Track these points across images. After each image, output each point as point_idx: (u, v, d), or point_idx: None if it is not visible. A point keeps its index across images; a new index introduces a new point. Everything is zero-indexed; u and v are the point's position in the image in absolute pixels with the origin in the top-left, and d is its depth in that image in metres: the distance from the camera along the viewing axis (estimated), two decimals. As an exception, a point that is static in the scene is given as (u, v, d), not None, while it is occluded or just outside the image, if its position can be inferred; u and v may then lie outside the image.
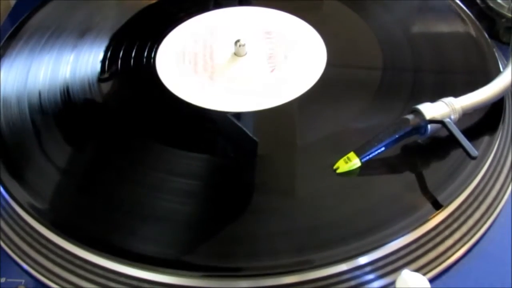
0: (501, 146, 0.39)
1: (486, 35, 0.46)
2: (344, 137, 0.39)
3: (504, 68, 0.41)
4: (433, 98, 0.38)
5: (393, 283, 0.32)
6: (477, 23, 0.48)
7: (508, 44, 0.47)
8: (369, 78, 0.43)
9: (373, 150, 0.36)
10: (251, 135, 0.40)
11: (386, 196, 0.35)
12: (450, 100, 0.37)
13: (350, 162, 0.36)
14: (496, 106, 0.40)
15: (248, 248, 0.33)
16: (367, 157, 0.36)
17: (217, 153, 0.39)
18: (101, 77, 0.45)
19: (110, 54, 0.47)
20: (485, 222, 0.36)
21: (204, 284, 0.33)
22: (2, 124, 0.41)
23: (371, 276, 0.33)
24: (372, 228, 0.33)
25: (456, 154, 0.37)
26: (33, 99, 0.43)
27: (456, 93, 0.38)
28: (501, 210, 0.37)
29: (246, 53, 0.46)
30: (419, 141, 0.38)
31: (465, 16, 0.48)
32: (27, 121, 0.42)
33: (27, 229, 0.36)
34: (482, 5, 0.51)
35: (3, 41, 0.50)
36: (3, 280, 0.35)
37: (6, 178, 0.38)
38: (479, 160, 0.37)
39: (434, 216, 0.34)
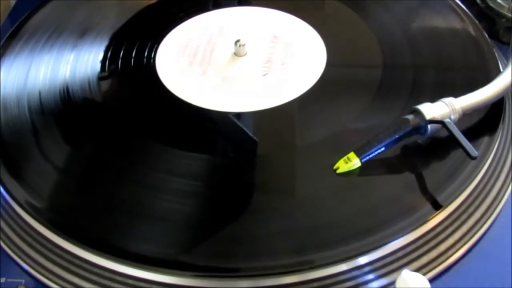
0: (501, 146, 0.39)
1: (486, 35, 0.46)
2: (344, 137, 0.39)
3: (504, 68, 0.41)
4: (433, 98, 0.38)
5: (393, 283, 0.32)
6: (477, 23, 0.48)
7: (508, 44, 0.48)
8: (369, 78, 0.43)
9: (373, 150, 0.36)
10: (251, 134, 0.40)
11: (386, 196, 0.35)
12: (450, 100, 0.37)
13: (350, 162, 0.36)
14: (496, 106, 0.40)
15: (248, 248, 0.33)
16: (367, 157, 0.36)
17: (217, 153, 0.39)
18: (101, 76, 0.45)
19: (110, 54, 0.47)
20: (485, 222, 0.36)
21: (204, 284, 0.33)
22: (2, 124, 0.41)
23: (371, 276, 0.33)
24: (372, 228, 0.33)
25: (456, 154, 0.37)
26: (33, 99, 0.43)
27: (456, 93, 0.38)
28: (501, 210, 0.37)
29: (246, 53, 0.46)
30: (419, 141, 0.38)
31: (465, 16, 0.48)
32: (27, 121, 0.42)
33: (27, 229, 0.36)
34: (482, 5, 0.51)
35: (3, 40, 0.50)
36: (3, 280, 0.35)
37: (6, 178, 0.38)
38: (479, 160, 0.37)
39: (434, 216, 0.34)
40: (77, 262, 0.34)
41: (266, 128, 0.41)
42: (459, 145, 0.35)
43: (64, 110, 0.43)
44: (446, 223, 0.35)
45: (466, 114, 0.38)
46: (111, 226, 0.35)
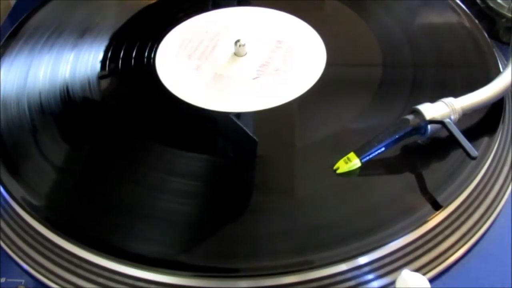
0: (501, 146, 0.39)
1: (486, 35, 0.46)
2: (344, 137, 0.39)
3: (504, 68, 0.41)
4: (433, 98, 0.38)
5: (393, 283, 0.32)
6: (477, 23, 0.48)
7: (508, 44, 0.47)
8: (368, 78, 0.43)
9: (373, 150, 0.36)
10: (251, 134, 0.40)
11: (386, 196, 0.35)
12: (450, 100, 0.37)
13: (350, 163, 0.36)
14: (496, 106, 0.40)
15: (248, 248, 0.33)
16: (367, 158, 0.36)
17: (217, 153, 0.39)
18: (101, 75, 0.45)
19: (109, 54, 0.47)
20: (485, 222, 0.36)
21: (204, 284, 0.33)
22: (1, 123, 0.41)
23: (371, 276, 0.33)
24: (372, 228, 0.33)
25: (456, 154, 0.37)
26: (32, 98, 0.43)
27: (456, 93, 0.38)
28: (501, 210, 0.37)
29: (246, 54, 0.46)
30: (419, 141, 0.38)
31: (465, 16, 0.48)
32: (27, 120, 0.42)
33: (27, 229, 0.36)
34: (482, 5, 0.51)
35: (3, 40, 0.50)
36: (3, 280, 0.35)
37: (6, 177, 0.38)
38: (479, 160, 0.37)
39: (434, 217, 0.34)
40: (77, 262, 0.34)
41: (266, 128, 0.41)
42: (459, 145, 0.35)
43: (63, 110, 0.43)
44: (446, 223, 0.35)
45: (466, 114, 0.38)
46: (111, 226, 0.35)
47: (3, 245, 0.37)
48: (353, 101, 0.42)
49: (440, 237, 0.34)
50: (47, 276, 0.35)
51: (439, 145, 0.38)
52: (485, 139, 0.38)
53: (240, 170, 0.38)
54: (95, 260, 0.34)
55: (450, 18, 0.48)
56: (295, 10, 0.50)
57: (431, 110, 0.37)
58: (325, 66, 0.45)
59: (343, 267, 0.33)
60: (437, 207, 0.35)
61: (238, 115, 0.42)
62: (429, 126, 0.37)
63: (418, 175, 0.36)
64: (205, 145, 0.40)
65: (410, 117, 0.37)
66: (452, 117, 0.37)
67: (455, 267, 0.34)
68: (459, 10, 0.49)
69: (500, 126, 0.39)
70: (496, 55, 0.44)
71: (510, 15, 0.49)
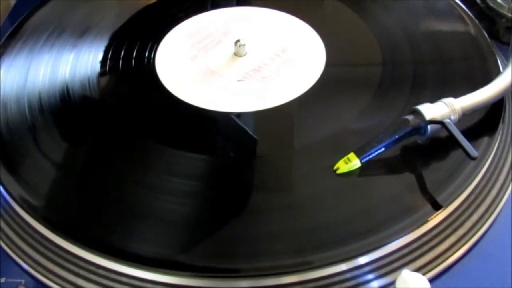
0: (501, 146, 0.39)
1: (486, 35, 0.46)
2: (344, 137, 0.39)
3: (504, 68, 0.41)
4: (432, 99, 0.38)
5: (393, 283, 0.32)
6: (477, 23, 0.48)
7: (508, 44, 0.47)
8: (368, 78, 0.43)
9: (373, 150, 0.36)
10: (251, 133, 0.40)
11: (386, 196, 0.35)
12: (450, 100, 0.37)
13: (350, 163, 0.36)
14: (496, 107, 0.40)
15: (248, 248, 0.33)
16: (367, 158, 0.36)
17: (216, 153, 0.39)
18: (101, 72, 0.45)
19: (109, 54, 0.47)
20: (485, 222, 0.36)
21: (204, 284, 0.33)
22: (1, 123, 0.41)
23: (371, 276, 0.33)
24: (372, 228, 0.33)
25: (456, 154, 0.37)
26: (32, 98, 0.43)
27: (456, 93, 0.38)
28: (501, 210, 0.37)
29: (246, 54, 0.46)
30: (419, 141, 0.38)
31: (465, 16, 0.48)
32: (26, 120, 0.42)
33: (27, 229, 0.36)
34: (482, 5, 0.51)
35: (3, 40, 0.50)
36: (3, 280, 0.35)
37: (6, 177, 0.38)
38: (479, 161, 0.37)
39: (434, 217, 0.34)
40: (77, 262, 0.34)
41: (266, 128, 0.41)
42: (459, 145, 0.35)
43: (63, 110, 0.43)
44: (446, 223, 0.35)
45: (466, 114, 0.38)
46: (111, 226, 0.35)
47: (3, 245, 0.37)
48: (353, 101, 0.42)
49: (440, 237, 0.34)
50: (47, 276, 0.35)
51: (439, 145, 0.38)
52: (485, 139, 0.38)
53: (240, 170, 0.38)
54: (95, 260, 0.34)
55: (450, 18, 0.48)
56: (294, 10, 0.50)
57: (431, 110, 0.37)
58: (324, 66, 0.45)
59: (343, 267, 0.33)
60: (437, 207, 0.35)
61: (238, 115, 0.42)
62: (429, 127, 0.37)
63: (418, 175, 0.36)
64: (205, 145, 0.40)
65: (410, 117, 0.37)
66: (452, 118, 0.37)
67: (455, 267, 0.34)
68: (459, 10, 0.49)
69: (500, 126, 0.39)
70: (496, 55, 0.44)
71: (510, 15, 0.49)
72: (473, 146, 0.35)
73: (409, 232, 0.34)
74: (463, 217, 0.36)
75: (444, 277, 0.34)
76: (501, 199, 0.37)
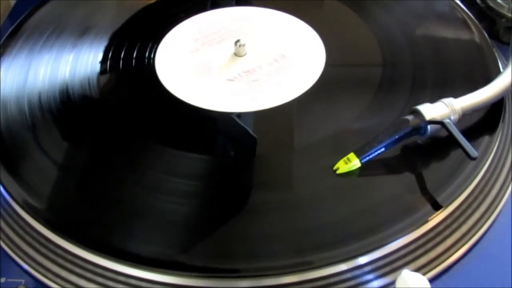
0: (501, 146, 0.39)
1: (486, 35, 0.46)
2: (344, 137, 0.39)
3: (504, 68, 0.41)
4: (432, 99, 0.38)
5: (393, 283, 0.32)
6: (477, 23, 0.48)
7: (508, 44, 0.47)
8: (368, 78, 0.43)
9: (373, 150, 0.36)
10: (251, 132, 0.40)
11: (386, 196, 0.35)
12: (449, 100, 0.37)
13: (350, 163, 0.36)
14: (496, 107, 0.40)
15: (248, 249, 0.33)
16: (367, 158, 0.36)
17: (216, 154, 0.39)
18: (100, 72, 0.45)
19: (109, 54, 0.47)
20: (485, 222, 0.36)
21: (204, 284, 0.33)
22: (1, 123, 0.41)
23: (371, 276, 0.33)
24: (372, 228, 0.33)
25: (456, 154, 0.37)
26: (32, 98, 0.43)
27: (456, 93, 0.38)
28: (501, 210, 0.37)
29: (245, 54, 0.46)
30: (419, 141, 0.38)
31: (465, 16, 0.48)
32: (26, 120, 0.42)
33: (27, 229, 0.36)
34: (482, 5, 0.51)
35: (3, 40, 0.50)
36: (3, 280, 0.35)
37: (6, 177, 0.38)
38: (478, 161, 0.37)
39: (434, 217, 0.34)
40: (77, 262, 0.34)
41: (266, 128, 0.41)
42: (458, 145, 0.35)
43: (63, 110, 0.43)
44: (446, 223, 0.35)
45: (466, 114, 0.38)
46: (111, 226, 0.35)
47: (3, 245, 0.37)
48: (353, 101, 0.42)
49: (440, 237, 0.34)
50: (47, 276, 0.35)
51: (439, 145, 0.38)
52: (485, 139, 0.38)
53: (240, 170, 0.38)
54: (95, 260, 0.34)
55: (450, 18, 0.48)
56: (294, 10, 0.50)
57: (431, 110, 0.37)
58: (324, 66, 0.45)
59: (343, 267, 0.33)
60: (437, 207, 0.35)
61: (238, 115, 0.41)
62: (429, 127, 0.37)
63: (418, 175, 0.36)
64: (204, 145, 0.40)
65: (410, 117, 0.37)
66: (452, 118, 0.37)
67: (455, 267, 0.34)
68: (459, 10, 0.49)
69: (500, 126, 0.39)
70: (496, 55, 0.44)
71: (510, 15, 0.49)
72: (473, 146, 0.35)
73: (409, 232, 0.34)
74: (463, 217, 0.36)
75: (444, 277, 0.34)
76: (501, 199, 0.37)
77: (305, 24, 0.49)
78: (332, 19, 0.50)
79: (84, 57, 0.47)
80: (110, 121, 0.42)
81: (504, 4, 0.50)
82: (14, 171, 0.38)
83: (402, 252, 0.34)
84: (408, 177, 0.36)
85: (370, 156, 0.36)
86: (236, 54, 0.46)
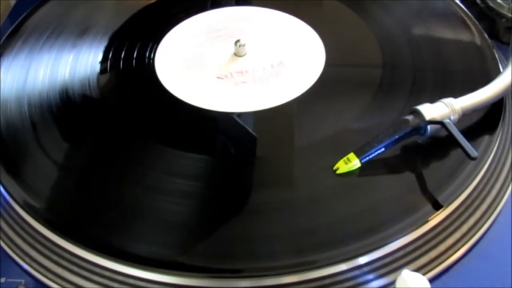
0: (501, 146, 0.39)
1: (486, 35, 0.46)
2: (344, 138, 0.39)
3: (504, 69, 0.41)
4: (432, 99, 0.38)
5: (393, 283, 0.32)
6: (477, 23, 0.48)
7: (508, 44, 0.47)
8: (368, 78, 0.43)
9: (373, 151, 0.36)
10: (251, 131, 0.40)
11: (386, 196, 0.35)
12: (449, 100, 0.37)
13: (350, 163, 0.36)
14: (496, 107, 0.40)
15: (248, 249, 0.33)
16: (367, 158, 0.36)
17: (216, 154, 0.39)
18: (100, 72, 0.45)
19: (109, 54, 0.47)
20: (485, 222, 0.36)
21: (204, 284, 0.33)
22: (1, 123, 0.41)
23: (371, 276, 0.33)
24: (372, 228, 0.33)
25: (456, 154, 0.37)
26: (32, 98, 0.43)
27: (456, 94, 0.38)
28: (501, 210, 0.37)
29: (245, 54, 0.46)
30: (419, 141, 0.38)
31: (465, 16, 0.48)
32: (26, 120, 0.42)
33: (27, 229, 0.36)
34: (482, 5, 0.51)
35: (3, 40, 0.50)
36: (3, 280, 0.35)
37: (6, 177, 0.38)
38: (479, 161, 0.37)
39: (434, 217, 0.34)
40: (77, 261, 0.34)
41: (265, 128, 0.41)
42: (458, 145, 0.35)
43: (63, 110, 0.43)
44: (446, 223, 0.35)
45: (466, 114, 0.38)
46: (111, 226, 0.35)
47: (3, 245, 0.37)
48: (353, 101, 0.42)
49: (440, 237, 0.35)
50: (47, 276, 0.35)
51: (439, 145, 0.38)
52: (485, 139, 0.38)
53: (240, 171, 0.38)
54: (95, 259, 0.34)
55: (450, 18, 0.48)
56: (294, 10, 0.50)
57: (430, 110, 0.37)
58: (324, 66, 0.45)
59: (343, 267, 0.33)
60: (437, 207, 0.35)
61: (238, 115, 0.41)
62: (428, 127, 0.37)
63: (418, 175, 0.36)
64: (204, 145, 0.40)
65: (410, 117, 0.37)
66: (452, 118, 0.37)
67: (455, 267, 0.34)
68: (459, 10, 0.49)
69: (500, 126, 0.39)
70: (496, 55, 0.44)
71: (510, 15, 0.49)
72: (473, 146, 0.35)
73: (409, 232, 0.34)
74: (463, 217, 0.36)
75: (444, 277, 0.34)
76: (501, 199, 0.37)
77: (305, 24, 0.49)
78: (332, 19, 0.50)
79: (84, 57, 0.47)
80: (110, 121, 0.42)
81: (504, 4, 0.50)
82: (14, 171, 0.38)
83: (402, 252, 0.34)
84: (408, 177, 0.36)
85: (370, 156, 0.36)
86: (236, 54, 0.46)
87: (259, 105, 0.42)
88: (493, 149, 0.38)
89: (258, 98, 0.42)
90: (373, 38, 0.47)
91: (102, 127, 0.42)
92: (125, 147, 0.40)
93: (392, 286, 0.32)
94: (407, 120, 0.37)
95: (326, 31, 0.48)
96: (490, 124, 0.39)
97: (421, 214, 0.34)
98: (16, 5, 0.60)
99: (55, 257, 0.35)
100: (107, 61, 0.47)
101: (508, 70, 0.40)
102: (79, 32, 0.49)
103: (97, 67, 0.46)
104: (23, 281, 0.35)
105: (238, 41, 0.46)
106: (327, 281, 0.33)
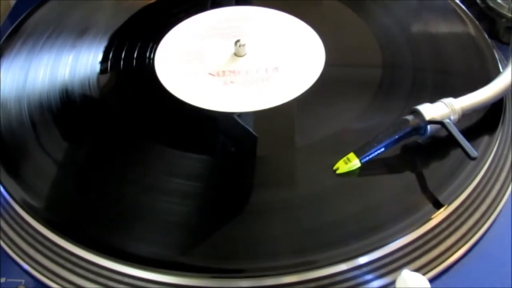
0: (501, 146, 0.39)
1: (486, 35, 0.46)
2: (344, 137, 0.39)
3: (504, 68, 0.41)
4: (432, 99, 0.38)
5: (393, 283, 0.32)
6: (477, 23, 0.48)
7: (508, 44, 0.48)
8: (368, 78, 0.43)
9: (372, 150, 0.36)
10: (251, 130, 0.40)
11: (386, 196, 0.35)
12: (449, 100, 0.37)
13: (350, 163, 0.36)
14: (495, 107, 0.40)
15: (248, 249, 0.33)
16: (367, 158, 0.36)
17: (217, 154, 0.39)
18: (99, 72, 0.45)
19: (108, 54, 0.47)
20: (485, 222, 0.36)
21: (205, 284, 0.33)
22: (1, 123, 0.41)
23: (371, 276, 0.33)
24: (372, 228, 0.33)
25: (456, 154, 0.37)
26: (32, 99, 0.43)
27: (456, 94, 0.38)
28: (501, 210, 0.37)
29: (245, 54, 0.46)
30: (419, 141, 0.38)
31: (465, 16, 0.48)
32: (26, 120, 0.42)
33: (27, 229, 0.36)
34: (482, 5, 0.51)
35: (2, 40, 0.50)
36: (3, 280, 0.35)
37: (6, 178, 0.38)
38: (479, 160, 0.37)
39: (434, 217, 0.34)
40: (77, 261, 0.34)
41: (265, 128, 0.41)
42: (458, 145, 0.35)
43: (63, 110, 0.43)
44: (446, 223, 0.35)
45: (466, 114, 0.38)
46: (111, 226, 0.35)
47: (3, 245, 0.37)
48: (353, 101, 0.42)
49: (440, 237, 0.35)
50: (47, 275, 0.35)
51: (439, 145, 0.38)
52: (485, 139, 0.38)
53: (240, 171, 0.38)
54: (95, 259, 0.34)
55: (450, 18, 0.48)
56: (294, 10, 0.50)
57: (430, 110, 0.37)
58: (324, 66, 0.45)
59: (343, 267, 0.33)
60: (437, 207, 0.35)
61: (238, 115, 0.41)
62: (428, 127, 0.37)
63: (418, 175, 0.36)
64: (205, 145, 0.40)
65: (409, 117, 0.37)
66: (452, 118, 0.37)
67: (455, 267, 0.34)
68: (459, 11, 0.49)
69: (500, 126, 0.39)
70: (496, 55, 0.44)
71: (510, 15, 0.49)
72: (473, 146, 0.35)
73: (409, 232, 0.34)
74: (463, 217, 0.36)
75: (444, 277, 0.34)
76: (501, 199, 0.37)
77: (305, 24, 0.49)
78: (332, 19, 0.50)
79: (84, 57, 0.47)
80: (110, 121, 0.42)
81: (504, 4, 0.50)
82: (14, 171, 0.38)
83: (402, 252, 0.34)
84: (408, 177, 0.36)
85: (370, 156, 0.36)
86: (236, 54, 0.46)
87: (259, 105, 0.42)
88: (493, 149, 0.38)
89: (258, 98, 0.42)
90: (373, 38, 0.47)
91: (102, 127, 0.42)
92: (125, 147, 0.40)
93: (392, 286, 0.32)
94: (407, 120, 0.37)
95: (326, 31, 0.48)
96: (490, 124, 0.39)
97: (421, 214, 0.34)
98: (16, 5, 0.60)
99: (55, 257, 0.35)
100: (107, 61, 0.47)
101: (508, 70, 0.40)
102: (79, 32, 0.49)
103: (97, 67, 0.46)
104: (23, 281, 0.35)
105: (238, 41, 0.46)
106: (327, 281, 0.33)
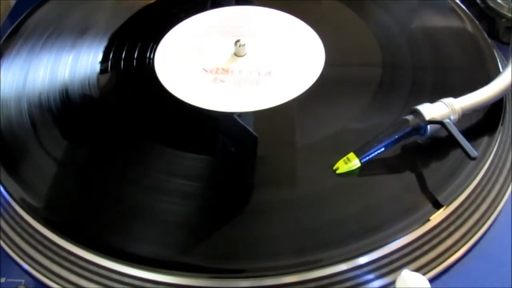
0: (501, 146, 0.39)
1: (486, 35, 0.46)
2: (344, 137, 0.39)
3: (504, 68, 0.41)
4: (432, 99, 0.38)
5: (393, 283, 0.32)
6: (477, 23, 0.48)
7: (508, 44, 0.48)
8: (368, 78, 0.43)
9: (372, 150, 0.36)
10: (251, 130, 0.40)
11: (386, 196, 0.35)
12: (449, 100, 0.37)
13: (350, 163, 0.36)
14: (495, 107, 0.40)
15: (248, 249, 0.33)
16: (367, 158, 0.36)
17: (217, 154, 0.39)
18: (99, 72, 0.45)
19: (108, 54, 0.47)
20: (485, 222, 0.36)
21: (205, 284, 0.33)
22: (1, 123, 0.41)
23: (371, 276, 0.33)
24: (372, 228, 0.33)
25: (456, 154, 0.37)
26: (32, 99, 0.43)
27: (456, 94, 0.38)
28: (501, 210, 0.37)
29: (245, 54, 0.46)
30: (419, 141, 0.38)
31: (465, 16, 0.48)
32: (26, 120, 0.42)
33: (27, 228, 0.36)
34: (482, 5, 0.51)
35: (3, 39, 0.50)
36: (3, 280, 0.35)
37: (6, 177, 0.38)
38: (479, 160, 0.37)
39: (434, 217, 0.34)
40: (77, 261, 0.34)
41: (265, 128, 0.41)
42: (458, 145, 0.35)
43: (63, 110, 0.43)
44: (446, 223, 0.35)
45: (466, 114, 0.38)
46: (111, 226, 0.35)
47: (3, 245, 0.37)
48: (353, 101, 0.42)
49: (440, 237, 0.35)
50: (47, 275, 0.35)
51: (439, 145, 0.38)
52: (485, 139, 0.38)
53: (240, 171, 0.38)
54: (95, 259, 0.34)
55: (450, 18, 0.48)
56: (294, 10, 0.50)
57: (430, 110, 0.37)
58: (323, 66, 0.45)
59: (343, 267, 0.33)
60: (437, 207, 0.35)
61: (238, 115, 0.41)
62: (428, 127, 0.37)
63: (418, 175, 0.36)
64: (205, 145, 0.40)
65: (409, 117, 0.37)
66: (452, 118, 0.37)
67: (455, 267, 0.34)
68: (459, 10, 0.49)
69: (500, 126, 0.39)
70: (496, 55, 0.44)
71: (510, 15, 0.49)
72: (473, 146, 0.35)
73: (409, 232, 0.34)
74: (463, 217, 0.36)
75: (444, 277, 0.34)
76: (501, 199, 0.37)
77: (305, 24, 0.49)
78: (332, 19, 0.50)
79: (84, 57, 0.47)
80: (110, 121, 0.42)
81: (504, 4, 0.50)
82: (14, 171, 0.38)
83: (402, 252, 0.34)
84: (408, 177, 0.36)
85: (370, 156, 0.36)
86: (236, 54, 0.46)
87: (259, 105, 0.42)
88: (493, 149, 0.38)
89: (258, 98, 0.42)
90: (372, 38, 0.47)
91: (102, 127, 0.42)
92: (125, 147, 0.40)
93: (392, 286, 0.32)
94: (407, 120, 0.37)
95: (326, 31, 0.48)
96: (490, 124, 0.39)
97: (421, 214, 0.34)
98: (16, 5, 0.60)
99: (55, 257, 0.35)
100: (107, 61, 0.47)
101: (508, 70, 0.40)
102: (79, 32, 0.49)
103: (97, 67, 0.46)
104: (23, 281, 0.35)
105: (238, 41, 0.46)
106: (327, 281, 0.33)
